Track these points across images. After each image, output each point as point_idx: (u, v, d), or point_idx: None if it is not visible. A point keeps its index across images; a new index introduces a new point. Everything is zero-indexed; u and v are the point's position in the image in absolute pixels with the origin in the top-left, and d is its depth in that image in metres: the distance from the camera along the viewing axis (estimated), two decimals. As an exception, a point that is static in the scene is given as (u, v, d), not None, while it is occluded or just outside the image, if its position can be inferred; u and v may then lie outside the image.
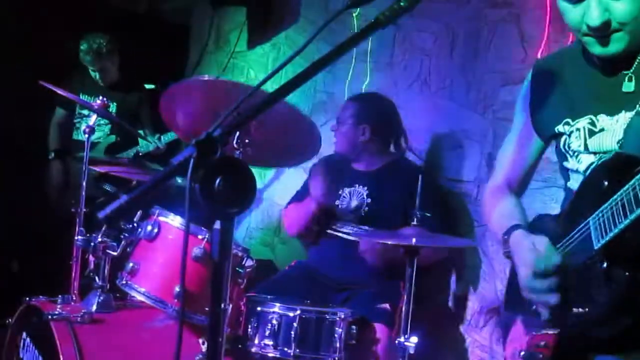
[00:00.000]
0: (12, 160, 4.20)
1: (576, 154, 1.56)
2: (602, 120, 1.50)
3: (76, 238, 2.57)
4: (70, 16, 4.42)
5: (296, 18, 4.23)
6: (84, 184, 2.74)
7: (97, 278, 2.44)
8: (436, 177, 3.18)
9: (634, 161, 1.31)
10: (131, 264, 2.32)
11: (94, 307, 2.38)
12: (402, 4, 1.17)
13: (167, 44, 4.95)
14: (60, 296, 2.43)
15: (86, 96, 4.16)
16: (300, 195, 3.22)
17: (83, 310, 2.32)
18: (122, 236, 2.39)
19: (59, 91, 3.12)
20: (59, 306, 2.36)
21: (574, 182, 1.58)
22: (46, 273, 3.32)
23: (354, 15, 3.55)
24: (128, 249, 2.39)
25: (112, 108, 4.22)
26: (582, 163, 1.55)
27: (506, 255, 1.61)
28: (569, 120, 1.57)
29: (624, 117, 1.46)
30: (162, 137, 4.18)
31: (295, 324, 2.29)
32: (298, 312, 2.33)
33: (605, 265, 1.29)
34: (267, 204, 4.28)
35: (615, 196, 1.29)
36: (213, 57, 5.02)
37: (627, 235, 1.26)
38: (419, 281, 2.32)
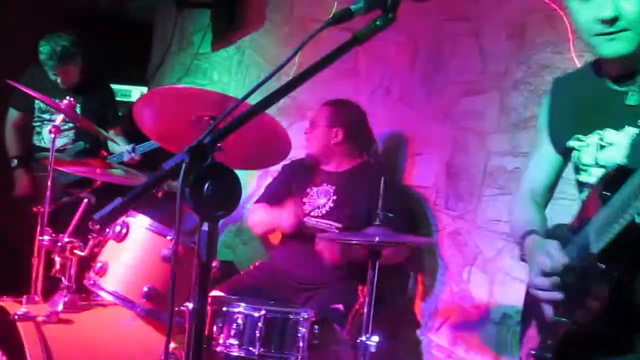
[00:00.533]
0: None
1: (588, 167, 1.67)
2: (609, 135, 1.60)
3: (40, 238, 2.52)
4: (27, 10, 4.18)
5: (262, 22, 4.28)
6: (49, 183, 2.66)
7: (63, 278, 2.41)
8: (397, 182, 3.28)
9: (628, 171, 1.41)
10: (99, 264, 2.33)
11: (60, 307, 2.35)
12: (377, 23, 1.28)
13: (130, 42, 4.84)
14: (25, 296, 2.41)
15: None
16: (270, 196, 3.23)
17: (49, 310, 2.30)
18: (89, 236, 2.40)
19: (25, 89, 3.01)
20: (24, 306, 2.33)
21: (586, 195, 1.68)
22: (9, 273, 3.27)
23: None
24: (96, 249, 2.40)
25: (77, 110, 3.81)
26: (593, 176, 1.65)
27: (521, 259, 1.73)
28: (580, 135, 1.67)
29: (629, 131, 1.56)
30: (136, 147, 3.78)
31: (260, 324, 2.33)
32: (263, 312, 2.37)
33: (603, 267, 1.42)
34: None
35: (610, 204, 1.41)
36: (176, 58, 5.01)
37: (620, 240, 1.38)
38: (379, 283, 2.40)
